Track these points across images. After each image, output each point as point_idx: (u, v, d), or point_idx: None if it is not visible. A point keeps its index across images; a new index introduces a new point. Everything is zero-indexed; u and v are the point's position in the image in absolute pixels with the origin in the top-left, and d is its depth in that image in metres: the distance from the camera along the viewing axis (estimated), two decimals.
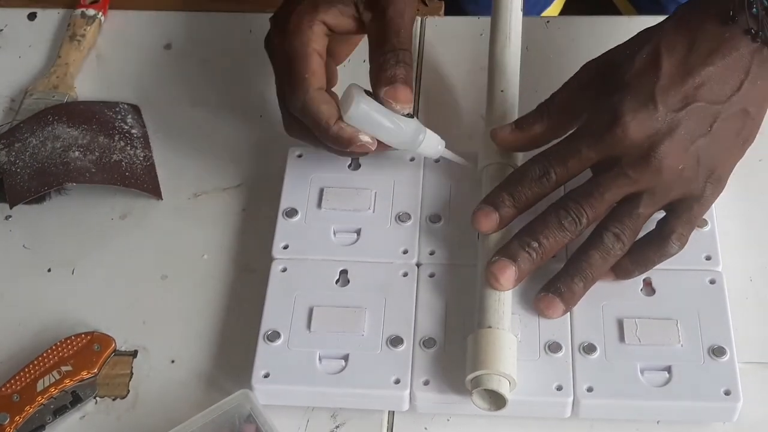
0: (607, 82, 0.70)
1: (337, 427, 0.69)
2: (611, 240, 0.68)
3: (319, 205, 0.76)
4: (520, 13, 0.83)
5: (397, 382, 0.67)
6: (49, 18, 0.95)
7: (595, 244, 0.69)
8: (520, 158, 0.76)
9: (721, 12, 0.68)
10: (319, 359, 0.68)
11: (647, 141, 0.67)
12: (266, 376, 0.68)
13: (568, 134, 0.71)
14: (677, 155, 0.67)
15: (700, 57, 0.68)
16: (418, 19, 0.92)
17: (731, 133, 0.69)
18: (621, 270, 0.70)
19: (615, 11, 1.21)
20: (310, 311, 0.70)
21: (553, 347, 0.68)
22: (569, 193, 0.70)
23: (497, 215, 0.70)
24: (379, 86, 0.72)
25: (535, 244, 0.68)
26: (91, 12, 0.93)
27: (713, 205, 0.72)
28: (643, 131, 0.67)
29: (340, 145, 0.72)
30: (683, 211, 0.69)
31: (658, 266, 0.70)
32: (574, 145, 0.69)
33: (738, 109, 0.69)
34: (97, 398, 0.71)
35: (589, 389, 0.66)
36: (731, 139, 0.70)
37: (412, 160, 0.78)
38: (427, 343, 0.69)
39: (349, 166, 0.78)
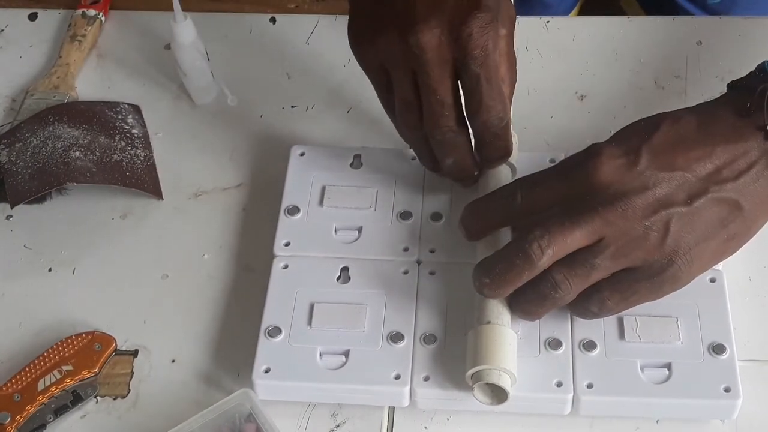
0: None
1: (337, 426, 0.69)
2: (549, 287, 0.65)
3: (321, 202, 0.76)
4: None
5: (398, 377, 0.67)
6: (50, 18, 0.95)
7: (535, 282, 0.65)
8: (517, 158, 0.76)
9: (738, 106, 0.66)
10: (320, 355, 0.68)
11: (620, 187, 0.63)
12: (267, 371, 0.68)
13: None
14: (647, 213, 0.63)
15: (702, 135, 0.65)
16: None
17: (714, 219, 0.64)
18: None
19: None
20: (311, 307, 0.70)
21: (554, 344, 0.68)
22: (541, 220, 0.65)
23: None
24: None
25: (504, 267, 0.65)
26: (91, 12, 0.93)
27: None
28: (616, 175, 0.64)
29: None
30: (629, 282, 0.65)
31: None
32: (545, 173, 0.67)
33: (729, 198, 0.64)
34: (98, 397, 0.71)
35: (589, 386, 0.66)
36: (713, 227, 0.64)
37: (413, 159, 0.78)
38: (428, 339, 0.69)
39: (351, 164, 0.78)
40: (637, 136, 0.66)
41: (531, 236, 0.64)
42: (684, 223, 0.64)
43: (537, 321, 0.69)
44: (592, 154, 0.65)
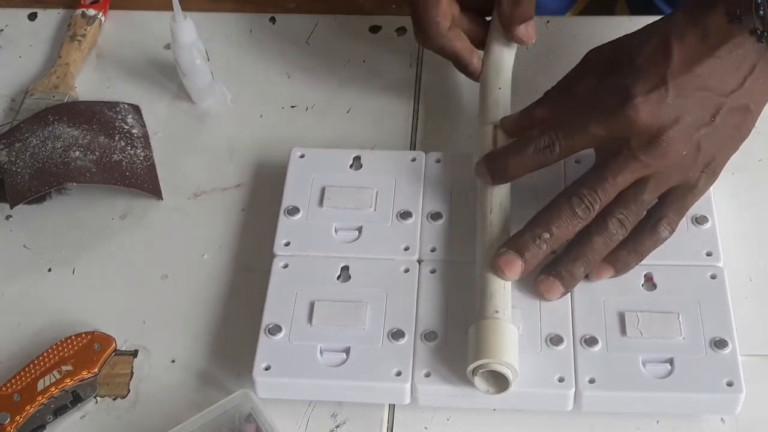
0: (615, 66, 0.71)
1: (337, 426, 0.69)
2: (616, 226, 0.69)
3: (321, 203, 0.76)
4: None
5: (399, 374, 0.67)
6: (50, 18, 0.95)
7: (599, 229, 0.69)
8: None
9: (728, 11, 0.68)
10: (320, 352, 0.68)
11: (656, 124, 0.67)
12: (267, 368, 0.68)
13: (573, 113, 0.71)
14: (682, 141, 0.68)
15: (708, 48, 0.68)
16: None
17: (731, 126, 0.70)
18: (620, 262, 0.70)
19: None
20: (311, 305, 0.70)
21: (555, 340, 0.68)
22: (579, 181, 0.70)
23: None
24: (514, 24, 0.80)
25: (547, 236, 0.69)
26: (91, 12, 0.93)
27: (714, 203, 0.73)
28: (653, 114, 0.67)
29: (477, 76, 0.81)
30: (676, 199, 0.71)
31: (659, 262, 0.71)
32: (580, 120, 0.70)
33: (740, 104, 0.69)
34: (98, 398, 0.71)
35: (591, 381, 0.66)
36: (731, 133, 0.70)
37: (413, 160, 0.78)
38: (429, 336, 0.69)
39: (351, 166, 0.78)
40: (656, 66, 0.69)
41: (576, 198, 0.69)
42: (711, 138, 0.69)
43: (538, 317, 0.69)
44: (624, 98, 0.68)
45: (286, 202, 0.76)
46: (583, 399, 0.66)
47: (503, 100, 0.78)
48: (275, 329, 0.69)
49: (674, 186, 0.70)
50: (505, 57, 0.81)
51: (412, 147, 0.84)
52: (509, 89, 0.79)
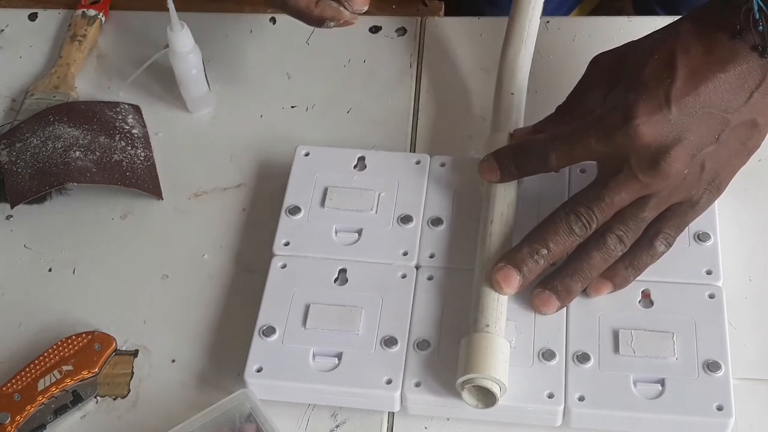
0: (619, 78, 0.70)
1: (337, 426, 0.69)
2: (614, 242, 0.69)
3: (323, 203, 0.76)
4: (539, 18, 0.82)
5: (389, 382, 0.67)
6: (50, 18, 0.95)
7: (597, 245, 0.69)
8: None
9: (729, 25, 0.68)
10: (313, 356, 0.68)
11: (657, 144, 0.66)
12: (259, 370, 0.68)
13: (576, 125, 0.70)
14: (684, 161, 0.67)
15: (713, 64, 0.67)
16: (418, 19, 0.93)
17: (737, 142, 0.69)
18: (618, 277, 0.70)
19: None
20: (307, 308, 0.70)
21: (547, 355, 0.68)
22: (578, 197, 0.69)
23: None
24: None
25: (544, 251, 0.69)
26: (91, 12, 0.93)
27: (717, 219, 0.73)
28: (654, 135, 0.66)
29: (323, 23, 0.76)
30: (676, 215, 0.70)
31: (657, 279, 0.70)
32: (581, 133, 0.69)
33: (747, 120, 0.68)
34: (98, 398, 0.71)
35: (581, 398, 0.66)
36: (737, 149, 0.69)
37: (418, 163, 0.78)
38: (421, 345, 0.69)
39: (355, 166, 0.78)
40: (660, 82, 0.67)
41: (574, 216, 0.69)
42: (715, 156, 0.68)
43: (531, 331, 0.68)
44: (626, 117, 0.67)
45: (288, 201, 0.76)
46: (572, 416, 0.66)
47: (516, 106, 0.78)
48: (269, 331, 0.69)
49: (676, 203, 0.70)
50: (520, 60, 0.80)
51: (412, 148, 0.84)
52: (524, 94, 0.79)
